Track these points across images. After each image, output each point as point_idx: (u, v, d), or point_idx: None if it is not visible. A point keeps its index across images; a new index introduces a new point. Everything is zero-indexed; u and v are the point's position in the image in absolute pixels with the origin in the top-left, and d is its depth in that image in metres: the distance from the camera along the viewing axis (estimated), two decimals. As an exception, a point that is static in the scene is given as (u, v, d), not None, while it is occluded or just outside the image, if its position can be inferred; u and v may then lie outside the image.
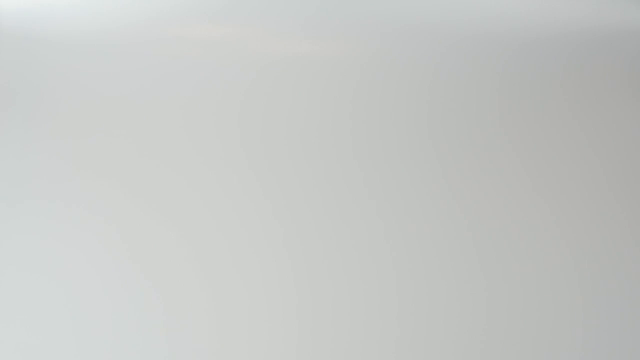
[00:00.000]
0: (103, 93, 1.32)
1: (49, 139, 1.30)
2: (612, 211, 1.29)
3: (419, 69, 1.34)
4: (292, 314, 1.23)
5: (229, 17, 1.36)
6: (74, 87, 1.33)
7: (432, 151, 1.30)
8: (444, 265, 1.26)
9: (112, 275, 1.24)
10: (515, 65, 1.36)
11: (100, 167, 1.28)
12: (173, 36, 1.35)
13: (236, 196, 1.26)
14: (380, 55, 1.34)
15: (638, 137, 1.33)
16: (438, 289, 1.25)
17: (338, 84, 1.33)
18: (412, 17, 1.35)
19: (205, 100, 1.32)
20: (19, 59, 1.33)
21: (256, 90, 1.32)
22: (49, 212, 1.26)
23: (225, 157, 1.28)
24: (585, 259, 1.27)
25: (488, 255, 1.26)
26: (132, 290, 1.23)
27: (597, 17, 1.37)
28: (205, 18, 1.36)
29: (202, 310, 1.23)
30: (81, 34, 1.35)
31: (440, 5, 1.37)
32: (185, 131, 1.30)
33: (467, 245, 1.26)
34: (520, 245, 1.27)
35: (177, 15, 1.36)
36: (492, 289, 1.24)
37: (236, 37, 1.36)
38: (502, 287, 1.25)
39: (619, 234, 1.28)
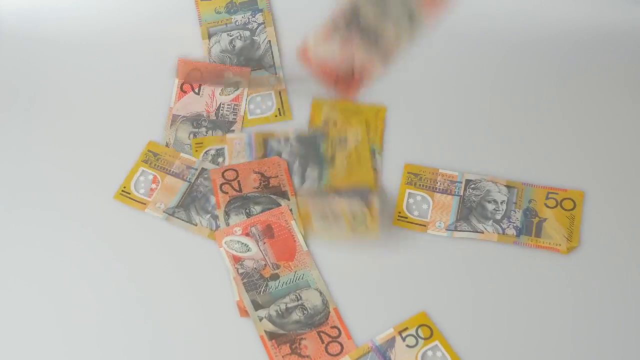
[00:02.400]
0: (103, 92, 1.33)
1: (48, 139, 1.30)
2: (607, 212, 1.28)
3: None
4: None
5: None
6: (73, 87, 1.34)
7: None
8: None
9: (104, 284, 1.22)
10: (513, 63, 1.37)
11: (100, 171, 1.28)
12: (171, 35, 1.36)
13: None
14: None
15: (637, 136, 1.33)
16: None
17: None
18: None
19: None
20: (20, 58, 1.34)
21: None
22: (44, 217, 1.26)
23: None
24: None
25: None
26: (123, 300, 1.21)
27: (597, 17, 1.38)
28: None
29: (191, 311, 1.22)
30: (81, 33, 1.36)
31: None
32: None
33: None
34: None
35: (176, 14, 1.37)
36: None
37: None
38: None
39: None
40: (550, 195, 1.28)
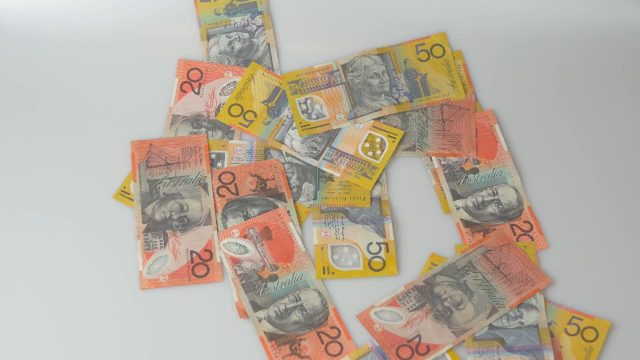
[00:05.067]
0: (103, 92, 1.33)
1: (47, 140, 1.29)
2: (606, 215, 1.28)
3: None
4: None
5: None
6: (73, 87, 1.33)
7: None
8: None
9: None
10: (513, 63, 1.37)
11: (100, 171, 1.28)
12: (171, 36, 1.36)
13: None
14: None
15: (637, 136, 1.33)
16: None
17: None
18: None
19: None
20: (19, 58, 1.34)
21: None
22: (42, 218, 1.25)
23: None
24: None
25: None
26: (122, 301, 1.21)
27: (597, 17, 1.38)
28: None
29: (190, 312, 1.21)
30: (81, 34, 1.36)
31: (445, 2, 1.39)
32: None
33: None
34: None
35: (175, 15, 1.36)
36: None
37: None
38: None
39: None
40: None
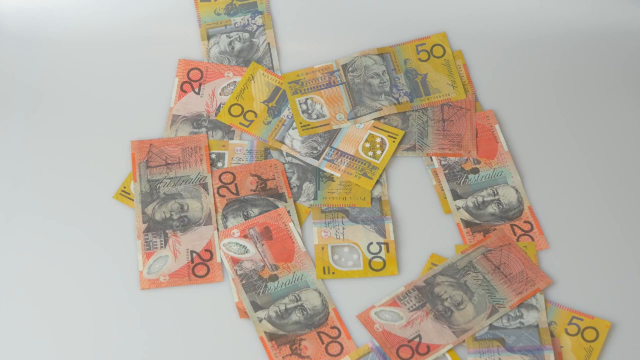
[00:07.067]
0: (103, 92, 1.32)
1: (47, 140, 1.29)
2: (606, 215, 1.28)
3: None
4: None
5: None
6: (73, 87, 1.33)
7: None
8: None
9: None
10: (513, 63, 1.37)
11: (100, 171, 1.28)
12: (171, 36, 1.36)
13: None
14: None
15: (637, 136, 1.33)
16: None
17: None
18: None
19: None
20: (19, 59, 1.34)
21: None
22: (42, 218, 1.25)
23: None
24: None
25: None
26: (122, 301, 1.21)
27: (597, 17, 1.38)
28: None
29: (191, 312, 1.21)
30: (81, 34, 1.36)
31: (445, 2, 1.39)
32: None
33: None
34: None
35: (176, 15, 1.37)
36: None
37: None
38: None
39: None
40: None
